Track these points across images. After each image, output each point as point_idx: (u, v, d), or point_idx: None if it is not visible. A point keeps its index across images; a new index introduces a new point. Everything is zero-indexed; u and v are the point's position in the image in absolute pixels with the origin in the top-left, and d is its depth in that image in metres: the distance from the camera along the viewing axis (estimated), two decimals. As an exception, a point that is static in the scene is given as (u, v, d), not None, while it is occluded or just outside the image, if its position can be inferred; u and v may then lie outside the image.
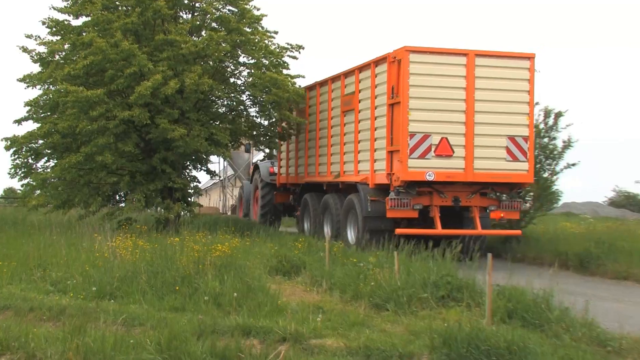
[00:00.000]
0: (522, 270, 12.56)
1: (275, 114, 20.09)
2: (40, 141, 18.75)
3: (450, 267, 11.02)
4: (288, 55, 20.12)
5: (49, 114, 19.04)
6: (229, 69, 20.37)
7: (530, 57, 15.88)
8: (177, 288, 10.42)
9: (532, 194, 18.48)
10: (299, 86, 20.29)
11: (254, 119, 21.09)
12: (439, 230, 15.50)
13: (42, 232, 15.65)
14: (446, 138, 15.37)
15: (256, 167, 25.26)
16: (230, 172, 36.38)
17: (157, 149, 18.50)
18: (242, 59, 19.92)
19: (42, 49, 18.84)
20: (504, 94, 15.71)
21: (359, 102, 17.35)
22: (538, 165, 18.32)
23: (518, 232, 17.05)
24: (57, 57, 18.85)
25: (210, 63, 19.39)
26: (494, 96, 15.66)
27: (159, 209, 19.23)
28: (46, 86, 19.09)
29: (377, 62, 16.34)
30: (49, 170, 19.04)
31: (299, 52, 20.25)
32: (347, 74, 18.18)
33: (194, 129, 17.99)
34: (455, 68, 15.50)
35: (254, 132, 21.19)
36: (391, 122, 15.60)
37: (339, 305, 10.38)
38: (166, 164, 18.29)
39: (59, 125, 17.60)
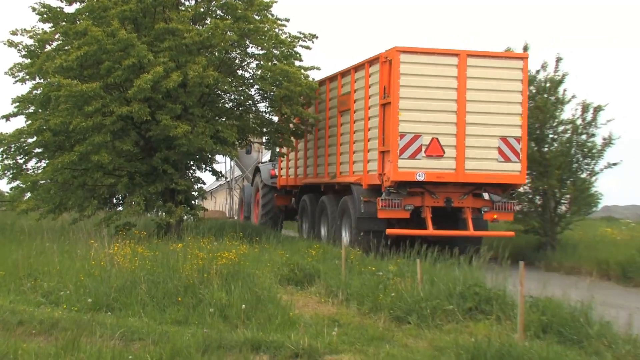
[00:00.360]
0: (558, 280, 12.53)
1: (287, 109, 20.10)
2: (30, 139, 18.81)
3: (478, 276, 10.99)
4: (300, 46, 20.09)
5: (39, 110, 19.10)
6: (236, 61, 20.38)
7: (523, 58, 16.98)
8: (179, 299, 10.45)
9: (568, 196, 18.42)
10: (313, 79, 20.28)
11: (264, 115, 21.14)
12: (430, 231, 16.32)
13: (32, 239, 15.66)
14: (437, 138, 16.29)
15: (257, 169, 26.26)
16: (237, 172, 36.46)
17: (158, 147, 18.53)
18: (250, 50, 19.94)
19: (31, 42, 18.96)
20: (496, 95, 16.61)
21: (354, 102, 18.33)
22: (575, 165, 18.31)
23: (511, 233, 17.48)
24: (48, 47, 18.91)
25: (216, 54, 19.40)
26: (486, 97, 16.57)
27: (160, 212, 19.28)
28: (36, 80, 19.16)
29: (371, 62, 17.31)
30: (39, 171, 19.06)
31: (312, 42, 20.25)
32: (344, 73, 19.15)
33: (198, 125, 18.02)
34: (447, 68, 16.45)
35: (264, 129, 21.23)
36: (383, 123, 16.52)
37: (357, 317, 10.39)
38: (168, 164, 18.32)
39: (50, 121, 17.64)
